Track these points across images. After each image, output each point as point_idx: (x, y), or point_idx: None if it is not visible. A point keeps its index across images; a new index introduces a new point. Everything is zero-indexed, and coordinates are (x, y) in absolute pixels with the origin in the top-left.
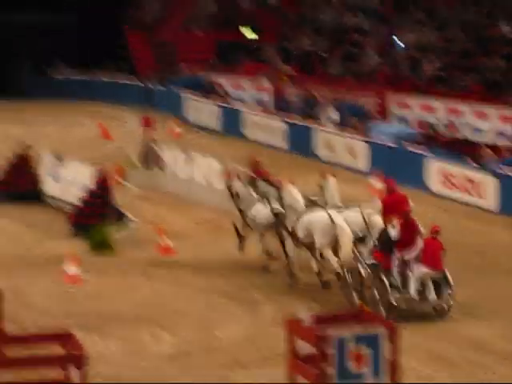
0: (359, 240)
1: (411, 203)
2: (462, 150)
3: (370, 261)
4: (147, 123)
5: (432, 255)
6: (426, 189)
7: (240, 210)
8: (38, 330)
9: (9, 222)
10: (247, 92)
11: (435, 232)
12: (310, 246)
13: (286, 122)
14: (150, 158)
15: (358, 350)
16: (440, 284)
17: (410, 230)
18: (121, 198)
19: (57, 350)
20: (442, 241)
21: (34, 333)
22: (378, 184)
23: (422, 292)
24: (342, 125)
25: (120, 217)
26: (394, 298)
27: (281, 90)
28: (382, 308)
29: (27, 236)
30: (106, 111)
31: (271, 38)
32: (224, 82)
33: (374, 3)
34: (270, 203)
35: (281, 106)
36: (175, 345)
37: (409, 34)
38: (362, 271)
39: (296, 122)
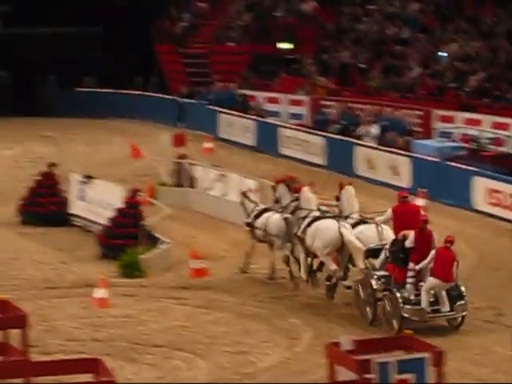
0: (372, 252)
1: (426, 214)
2: (509, 165)
3: (382, 273)
4: (178, 140)
5: (443, 266)
6: (470, 206)
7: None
8: (65, 356)
9: (34, 244)
10: (283, 106)
11: (449, 242)
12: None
13: (324, 138)
14: (182, 176)
15: (402, 376)
16: (454, 295)
17: (425, 242)
18: (151, 217)
19: (84, 377)
20: (478, 257)
21: (61, 359)
22: (419, 201)
23: (434, 303)
24: (383, 140)
25: (150, 237)
26: (405, 310)
27: (318, 104)
28: (394, 321)
29: (53, 258)
30: (136, 128)
31: (308, 50)
32: (258, 96)
33: (415, 12)
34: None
35: (318, 120)
36: (209, 371)
37: (452, 45)
38: (374, 284)
39: (334, 137)
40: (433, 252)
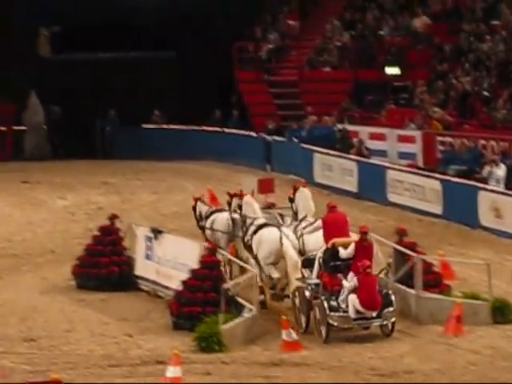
0: (309, 261)
1: (366, 226)
2: None
3: (314, 281)
4: (265, 186)
5: (367, 295)
6: None
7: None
8: None
9: (93, 312)
10: (390, 144)
11: (366, 267)
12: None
13: (441, 181)
14: None
15: None
16: (383, 303)
17: (365, 253)
18: (234, 279)
19: None
20: None
21: None
22: None
23: (361, 311)
24: None
25: (233, 304)
26: (332, 317)
27: (433, 140)
28: (322, 328)
29: (116, 330)
30: (213, 171)
31: (420, 76)
32: (361, 131)
33: None
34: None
35: (432, 160)
36: None
37: None
38: (306, 292)
39: (453, 180)
40: (354, 279)
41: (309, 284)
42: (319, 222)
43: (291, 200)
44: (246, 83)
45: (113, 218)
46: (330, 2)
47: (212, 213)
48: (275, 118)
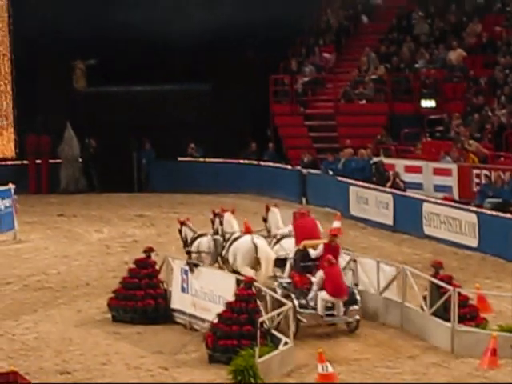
0: (280, 262)
1: (338, 229)
2: None
3: (286, 280)
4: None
5: (333, 284)
6: None
7: None
8: None
9: (128, 345)
10: (426, 177)
11: (330, 259)
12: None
13: (477, 215)
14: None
15: None
16: (347, 301)
17: (332, 253)
18: (268, 313)
19: None
20: None
21: None
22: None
23: (330, 308)
24: None
25: (269, 337)
26: (301, 315)
27: (469, 173)
28: (292, 325)
29: (152, 363)
30: (249, 204)
31: (456, 108)
32: (397, 164)
33: None
34: None
35: (468, 193)
36: None
37: None
38: (278, 291)
39: (489, 214)
40: (320, 273)
41: (280, 283)
42: (290, 227)
43: (265, 220)
44: (281, 116)
45: (148, 251)
46: (365, 35)
47: (196, 238)
48: (311, 150)
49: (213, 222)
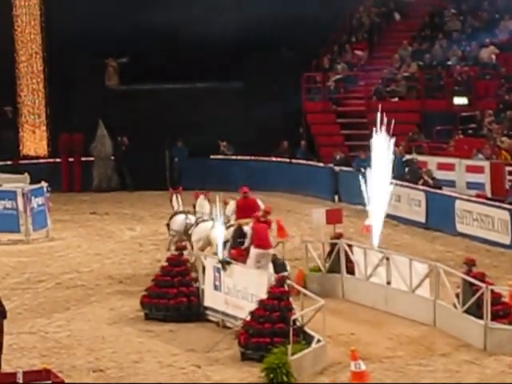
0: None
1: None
2: None
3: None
4: (333, 216)
5: (259, 237)
6: None
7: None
8: None
9: (161, 343)
10: (458, 174)
11: (265, 214)
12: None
13: (509, 211)
14: (336, 260)
15: None
16: (278, 270)
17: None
18: (302, 310)
19: None
20: None
21: None
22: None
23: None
24: None
25: (301, 334)
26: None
27: (501, 170)
28: None
29: (185, 361)
30: (281, 202)
31: (488, 106)
32: (429, 161)
33: None
34: None
35: (501, 190)
36: None
37: None
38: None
39: None
40: (249, 230)
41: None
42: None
43: (194, 207)
44: (313, 114)
45: (181, 248)
46: (397, 32)
47: (175, 214)
48: (343, 148)
49: (194, 206)
